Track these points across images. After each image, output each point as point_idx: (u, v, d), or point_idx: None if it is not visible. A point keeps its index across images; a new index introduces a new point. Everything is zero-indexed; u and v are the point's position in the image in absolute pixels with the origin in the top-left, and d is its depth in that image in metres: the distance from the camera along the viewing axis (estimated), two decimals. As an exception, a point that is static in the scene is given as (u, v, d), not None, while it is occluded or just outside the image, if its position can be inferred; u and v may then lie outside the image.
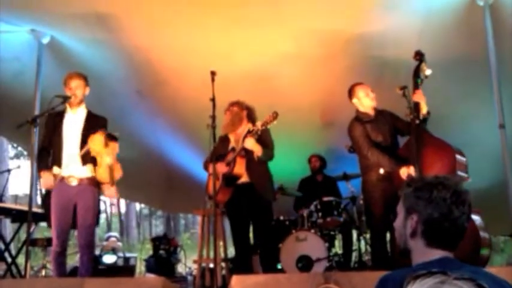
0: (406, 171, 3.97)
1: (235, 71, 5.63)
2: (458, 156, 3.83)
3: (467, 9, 4.76)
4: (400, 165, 4.03)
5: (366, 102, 4.39)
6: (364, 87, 4.43)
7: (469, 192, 1.68)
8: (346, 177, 6.28)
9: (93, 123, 4.18)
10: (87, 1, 4.77)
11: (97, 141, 4.07)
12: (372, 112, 4.42)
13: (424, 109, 4.03)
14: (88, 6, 4.85)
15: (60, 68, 5.67)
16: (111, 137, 4.10)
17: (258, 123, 4.38)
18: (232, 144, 4.76)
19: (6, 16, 5.16)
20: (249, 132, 4.45)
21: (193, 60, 5.68)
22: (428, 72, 3.97)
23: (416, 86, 4.02)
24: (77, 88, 4.19)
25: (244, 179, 4.59)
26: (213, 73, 4.28)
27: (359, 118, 4.43)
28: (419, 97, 3.98)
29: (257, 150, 4.46)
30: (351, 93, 4.46)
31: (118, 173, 4.15)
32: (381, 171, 4.20)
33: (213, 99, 4.24)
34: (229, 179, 4.61)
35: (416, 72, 4.02)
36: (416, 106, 3.98)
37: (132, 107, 6.61)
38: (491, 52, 4.65)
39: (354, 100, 4.43)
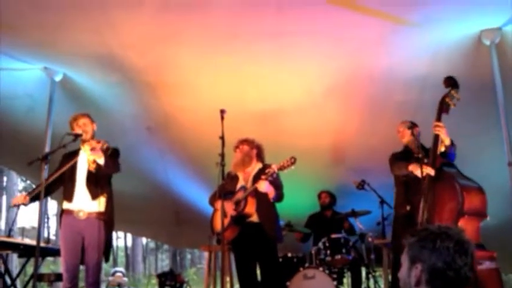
0: (413, 167, 4.00)
1: (245, 110, 5.70)
2: (469, 197, 3.66)
3: (474, 48, 4.80)
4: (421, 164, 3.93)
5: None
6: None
7: (472, 243, 1.70)
8: (354, 214, 6.25)
9: None
10: (98, 41, 4.86)
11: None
12: (416, 150, 4.29)
13: (446, 141, 3.96)
14: (100, 46, 4.94)
15: (72, 105, 5.77)
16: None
17: (274, 167, 4.35)
18: (241, 182, 4.76)
19: (20, 54, 5.27)
20: (263, 173, 4.42)
21: (203, 99, 5.75)
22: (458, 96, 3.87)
23: (439, 117, 3.92)
24: (85, 125, 4.30)
25: (253, 218, 4.57)
26: (222, 111, 4.33)
27: (401, 151, 4.53)
28: (439, 129, 3.89)
29: (270, 192, 4.45)
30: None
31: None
32: (408, 207, 4.20)
33: (222, 137, 4.28)
34: (239, 218, 4.60)
35: (444, 100, 3.92)
36: (436, 139, 3.89)
37: (141, 143, 6.67)
38: (499, 90, 4.67)
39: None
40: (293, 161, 4.28)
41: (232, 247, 4.78)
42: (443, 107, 3.93)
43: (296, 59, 5.09)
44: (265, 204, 4.55)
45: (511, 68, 4.88)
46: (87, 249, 4.12)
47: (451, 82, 3.94)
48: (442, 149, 3.97)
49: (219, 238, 4.61)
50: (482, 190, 3.76)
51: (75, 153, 4.35)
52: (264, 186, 4.38)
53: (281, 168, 4.33)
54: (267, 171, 4.40)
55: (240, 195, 4.64)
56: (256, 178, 4.58)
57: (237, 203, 4.62)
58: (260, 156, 4.82)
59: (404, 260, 1.76)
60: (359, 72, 5.31)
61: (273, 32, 4.69)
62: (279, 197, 4.58)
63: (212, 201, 4.86)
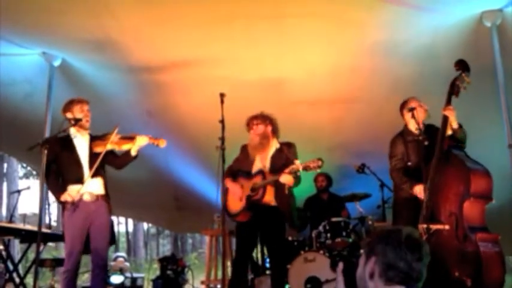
0: (419, 189, 4.00)
1: (245, 93, 5.66)
2: (476, 180, 3.73)
3: (475, 30, 4.78)
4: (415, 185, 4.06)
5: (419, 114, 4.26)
6: (416, 99, 4.34)
7: (425, 243, 1.80)
8: (354, 197, 6.26)
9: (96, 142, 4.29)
10: (97, 26, 4.84)
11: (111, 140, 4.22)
12: (417, 130, 4.25)
13: (454, 123, 3.96)
14: (98, 30, 4.91)
15: (71, 90, 5.75)
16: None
17: (300, 165, 4.17)
18: (257, 163, 4.59)
19: (19, 39, 5.24)
20: (288, 169, 4.23)
21: (202, 82, 5.73)
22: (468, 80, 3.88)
23: (449, 100, 3.93)
24: (88, 111, 4.29)
25: (271, 202, 4.47)
26: (222, 95, 4.31)
27: (403, 135, 4.37)
28: (449, 112, 3.91)
29: (289, 182, 4.33)
30: (404, 105, 4.36)
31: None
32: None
33: (222, 121, 4.27)
34: (255, 205, 4.47)
35: (454, 83, 3.93)
36: (445, 120, 3.91)
37: (141, 127, 6.62)
38: (499, 72, 4.67)
39: (405, 111, 4.33)
40: (320, 164, 4.13)
41: (236, 228, 4.62)
42: (453, 90, 3.94)
43: (297, 41, 5.06)
44: (284, 193, 4.42)
45: (511, 49, 4.86)
46: (96, 233, 4.13)
47: (462, 65, 3.93)
48: (449, 131, 3.96)
49: (234, 220, 4.55)
50: (489, 173, 3.81)
51: (68, 138, 4.29)
52: (287, 179, 4.27)
53: (305, 168, 4.17)
54: (291, 167, 4.22)
55: (257, 180, 4.48)
56: (274, 159, 4.48)
57: (254, 189, 4.47)
58: (275, 132, 4.61)
59: (361, 259, 1.85)
60: (358, 55, 5.29)
61: (274, 14, 4.66)
62: (296, 184, 4.46)
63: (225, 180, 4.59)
